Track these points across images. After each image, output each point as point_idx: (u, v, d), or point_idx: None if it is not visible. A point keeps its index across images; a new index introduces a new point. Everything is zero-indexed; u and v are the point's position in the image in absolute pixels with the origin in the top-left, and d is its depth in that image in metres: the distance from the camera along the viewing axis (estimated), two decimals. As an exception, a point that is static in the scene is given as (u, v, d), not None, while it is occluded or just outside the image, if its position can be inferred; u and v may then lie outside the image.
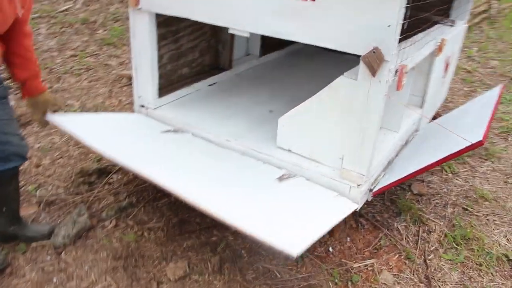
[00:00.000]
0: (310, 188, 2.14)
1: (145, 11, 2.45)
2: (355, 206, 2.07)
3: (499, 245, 2.40)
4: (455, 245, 2.39)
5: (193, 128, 2.55)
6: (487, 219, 2.60)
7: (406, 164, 2.22)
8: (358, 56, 1.88)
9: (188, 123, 2.58)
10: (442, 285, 2.15)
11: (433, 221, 2.56)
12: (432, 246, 2.39)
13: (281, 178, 2.17)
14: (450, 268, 2.25)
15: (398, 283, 2.15)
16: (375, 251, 2.35)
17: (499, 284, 2.18)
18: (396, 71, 1.94)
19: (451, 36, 2.92)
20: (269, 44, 3.68)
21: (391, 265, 2.25)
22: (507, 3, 7.21)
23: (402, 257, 2.30)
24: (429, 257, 2.31)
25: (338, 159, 2.17)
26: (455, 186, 2.88)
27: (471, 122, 2.25)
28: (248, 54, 3.64)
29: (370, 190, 2.19)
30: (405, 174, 2.05)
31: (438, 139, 2.34)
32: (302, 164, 2.24)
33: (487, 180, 2.96)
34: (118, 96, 3.84)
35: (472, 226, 2.52)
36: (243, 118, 2.71)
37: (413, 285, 2.15)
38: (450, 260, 2.29)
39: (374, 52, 1.80)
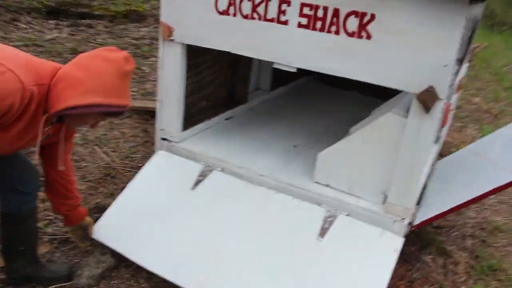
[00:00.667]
0: (354, 230, 2.15)
1: (177, 42, 2.43)
2: (401, 240, 2.10)
3: (524, 275, 2.50)
4: (483, 276, 2.46)
5: (223, 163, 2.51)
6: (506, 250, 2.70)
7: (443, 197, 2.27)
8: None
9: (217, 157, 2.54)
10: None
11: (457, 253, 2.62)
12: (462, 278, 2.44)
13: (322, 232, 2.16)
14: (483, 300, 2.31)
15: (439, 316, 2.18)
16: (409, 283, 2.37)
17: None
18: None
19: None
20: (279, 79, 3.74)
21: (428, 299, 2.28)
22: (475, 43, 7.72)
23: (437, 289, 2.34)
24: (462, 289, 2.36)
25: (380, 193, 2.21)
26: (469, 219, 2.98)
27: (501, 157, 2.36)
28: (258, 89, 3.67)
29: (409, 223, 2.22)
30: (449, 207, 2.10)
31: (469, 172, 2.42)
32: (342, 199, 2.25)
33: (497, 212, 3.10)
34: (120, 128, 3.71)
35: (494, 257, 2.61)
36: (269, 153, 2.70)
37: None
38: (482, 291, 2.36)
39: (429, 91, 1.87)
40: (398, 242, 2.09)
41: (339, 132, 3.09)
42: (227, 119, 3.11)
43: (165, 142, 2.67)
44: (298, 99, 3.76)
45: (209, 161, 2.54)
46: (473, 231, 2.86)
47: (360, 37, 1.95)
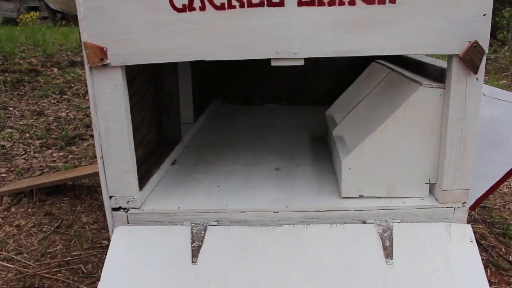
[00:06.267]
0: (419, 235, 1.76)
1: (115, 66, 1.72)
2: (470, 227, 1.78)
3: None
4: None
5: (215, 214, 1.86)
6: (507, 208, 2.61)
7: (483, 166, 2.01)
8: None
9: (204, 209, 1.88)
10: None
11: (475, 227, 2.44)
12: (501, 249, 2.24)
13: (387, 252, 1.72)
14: None
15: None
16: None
17: None
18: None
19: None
20: (199, 108, 3.18)
21: None
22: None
23: None
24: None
25: (425, 184, 1.87)
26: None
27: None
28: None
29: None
30: (499, 178, 1.87)
31: (497, 134, 2.17)
32: (386, 205, 1.84)
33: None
34: (10, 221, 2.63)
35: (506, 218, 2.49)
36: (258, 185, 2.12)
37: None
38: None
39: (475, 47, 1.61)
40: (468, 230, 1.77)
41: (301, 143, 2.71)
42: (173, 163, 2.42)
43: (120, 213, 1.88)
44: (224, 124, 3.22)
45: (195, 218, 1.86)
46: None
47: (382, 2, 1.59)
